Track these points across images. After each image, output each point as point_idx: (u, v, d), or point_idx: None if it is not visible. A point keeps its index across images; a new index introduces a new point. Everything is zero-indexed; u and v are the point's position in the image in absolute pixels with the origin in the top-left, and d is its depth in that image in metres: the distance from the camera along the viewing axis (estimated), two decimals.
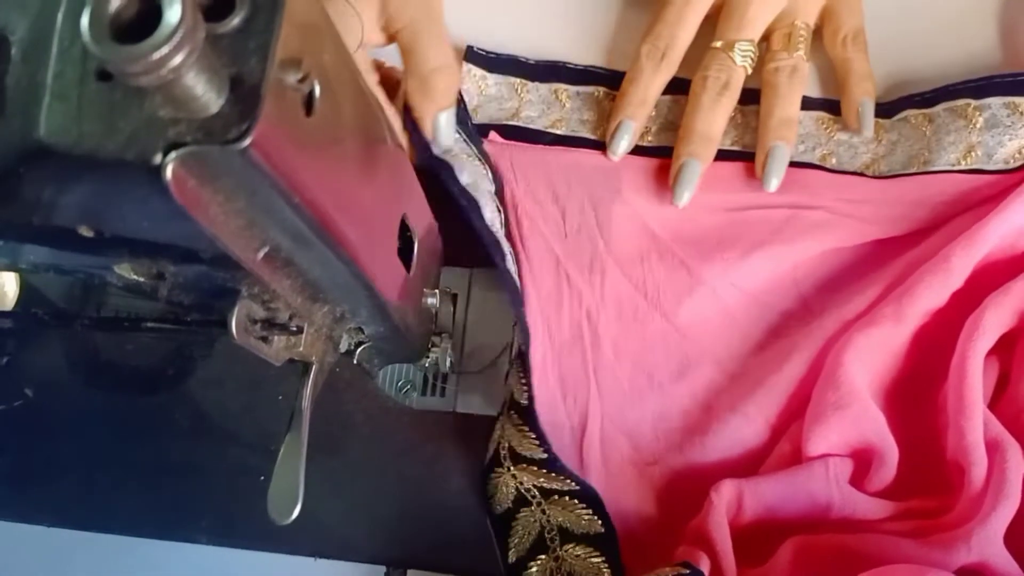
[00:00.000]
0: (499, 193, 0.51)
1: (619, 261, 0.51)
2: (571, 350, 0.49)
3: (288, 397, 0.49)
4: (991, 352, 0.45)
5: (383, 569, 0.47)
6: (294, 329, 0.29)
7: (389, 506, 0.48)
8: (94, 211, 0.23)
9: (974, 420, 0.42)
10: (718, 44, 0.51)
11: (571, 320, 0.49)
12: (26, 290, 0.51)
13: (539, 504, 0.45)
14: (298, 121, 0.22)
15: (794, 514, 0.43)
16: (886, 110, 0.52)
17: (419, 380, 0.50)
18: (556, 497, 0.45)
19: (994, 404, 0.45)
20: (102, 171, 0.21)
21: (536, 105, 0.55)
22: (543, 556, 0.45)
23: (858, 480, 0.44)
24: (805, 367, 0.47)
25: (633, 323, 0.50)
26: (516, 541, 0.45)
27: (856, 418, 0.43)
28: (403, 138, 0.46)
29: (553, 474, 0.45)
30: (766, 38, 0.53)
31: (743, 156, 0.52)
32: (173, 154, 0.20)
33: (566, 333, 0.49)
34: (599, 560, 0.44)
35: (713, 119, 0.51)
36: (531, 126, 0.54)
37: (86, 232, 0.24)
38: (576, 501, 0.44)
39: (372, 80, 0.47)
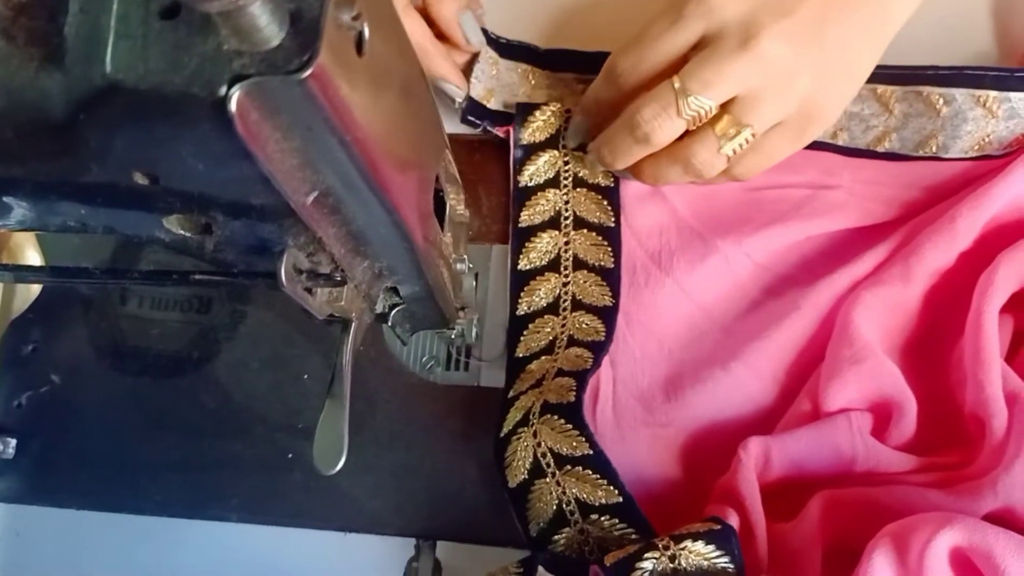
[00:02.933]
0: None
1: (637, 233, 0.52)
2: None
3: (312, 377, 0.50)
4: (1004, 310, 0.46)
5: (412, 542, 0.48)
6: (338, 279, 0.29)
7: (417, 480, 0.49)
8: (152, 155, 0.24)
9: (992, 373, 0.43)
10: (676, 84, 0.43)
11: None
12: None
13: (553, 475, 0.45)
14: (351, 59, 0.23)
15: (820, 468, 0.43)
16: (894, 77, 0.52)
17: (443, 355, 0.51)
18: (570, 467, 0.45)
19: (1010, 362, 0.46)
20: (165, 108, 0.22)
21: (544, 92, 0.56)
22: (567, 529, 0.45)
23: (879, 434, 0.44)
24: (813, 325, 0.48)
25: (645, 291, 0.51)
26: (534, 515, 0.46)
27: (873, 372, 0.44)
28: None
29: (572, 429, 0.45)
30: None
31: None
32: (238, 86, 0.20)
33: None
34: (627, 530, 0.44)
35: (615, 156, 0.48)
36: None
37: (141, 180, 0.25)
38: (590, 472, 0.45)
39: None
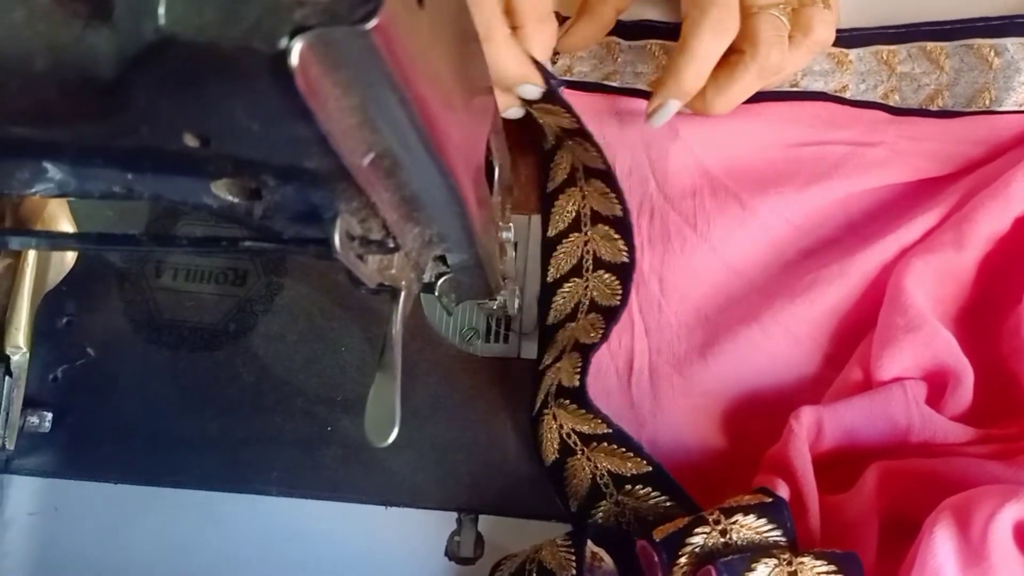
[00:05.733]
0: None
1: (670, 197, 0.51)
2: None
3: (351, 349, 0.50)
4: None
5: (454, 515, 0.47)
6: (390, 245, 0.28)
7: (458, 453, 0.48)
8: (205, 115, 0.23)
9: None
10: (755, 9, 0.46)
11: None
12: (84, 253, 0.51)
13: (583, 452, 0.45)
14: (413, 10, 0.22)
15: (873, 439, 0.42)
16: (944, 32, 0.51)
17: (483, 327, 0.50)
18: (595, 444, 0.45)
19: None
20: (222, 63, 0.20)
21: (587, 60, 0.54)
22: (604, 502, 0.45)
23: (934, 403, 0.43)
24: (858, 292, 0.47)
25: (680, 256, 0.50)
26: (572, 491, 0.46)
27: (928, 340, 0.43)
28: None
29: (586, 412, 0.45)
30: None
31: (800, 96, 0.52)
32: (299, 37, 0.19)
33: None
34: (661, 498, 0.44)
35: (735, 103, 0.49)
36: (585, 80, 0.54)
37: (191, 142, 0.24)
38: (615, 446, 0.44)
39: None
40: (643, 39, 0.54)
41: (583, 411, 0.45)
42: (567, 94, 0.51)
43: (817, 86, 0.52)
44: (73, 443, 0.49)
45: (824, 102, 0.51)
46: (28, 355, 0.49)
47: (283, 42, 0.19)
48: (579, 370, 0.45)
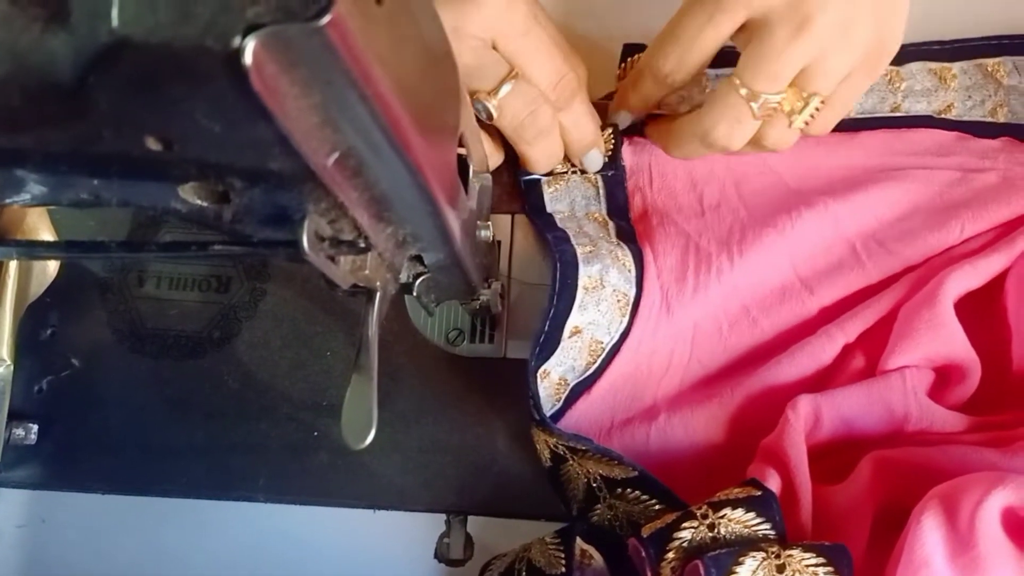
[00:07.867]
0: (618, 206, 0.51)
1: (761, 219, 0.49)
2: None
3: (335, 354, 0.49)
4: None
5: (442, 517, 0.47)
6: (361, 245, 0.28)
7: (445, 455, 0.48)
8: (165, 117, 0.23)
9: None
10: (743, 91, 0.43)
11: (695, 287, 0.48)
12: (66, 264, 0.51)
13: (573, 459, 0.45)
14: (370, 7, 0.22)
15: (871, 427, 0.42)
16: None
17: (468, 328, 0.50)
18: (582, 452, 0.44)
19: None
20: (177, 64, 0.20)
21: (675, 93, 0.52)
22: (598, 506, 0.44)
23: (938, 394, 0.43)
24: (904, 291, 0.46)
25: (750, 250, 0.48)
26: (571, 494, 0.45)
27: (948, 337, 0.42)
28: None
29: (557, 437, 0.44)
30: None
31: (902, 122, 0.51)
32: (252, 35, 0.19)
33: (688, 301, 0.48)
34: (650, 502, 0.43)
35: (685, 154, 0.50)
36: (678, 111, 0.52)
37: (154, 145, 0.24)
38: (600, 455, 0.44)
39: None
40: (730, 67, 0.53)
41: (554, 438, 0.44)
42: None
43: (920, 108, 0.51)
44: (59, 454, 0.49)
45: (928, 129, 0.50)
46: (12, 367, 0.48)
47: (236, 41, 0.19)
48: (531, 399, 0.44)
